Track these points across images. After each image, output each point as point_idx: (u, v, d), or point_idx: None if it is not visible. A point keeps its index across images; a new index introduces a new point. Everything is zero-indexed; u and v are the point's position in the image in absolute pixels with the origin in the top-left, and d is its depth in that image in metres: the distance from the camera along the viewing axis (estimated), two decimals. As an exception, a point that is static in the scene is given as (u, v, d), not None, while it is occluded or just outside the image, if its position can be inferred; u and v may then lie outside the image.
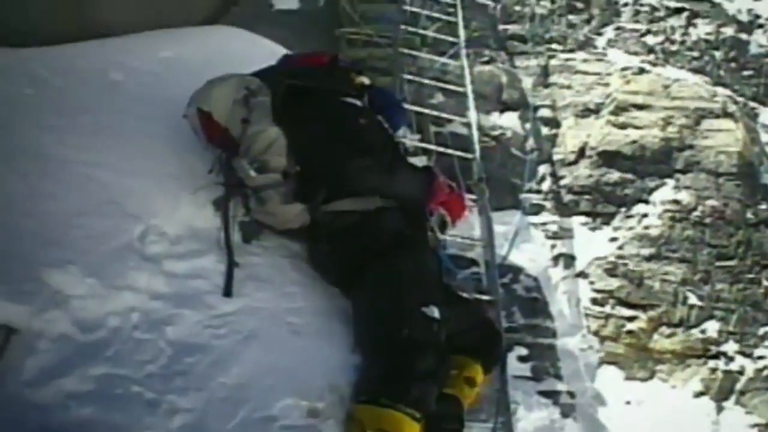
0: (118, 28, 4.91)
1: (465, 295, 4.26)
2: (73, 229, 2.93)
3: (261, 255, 3.49)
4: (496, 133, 6.18)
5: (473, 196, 5.24)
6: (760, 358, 5.56)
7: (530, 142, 6.19)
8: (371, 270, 3.30)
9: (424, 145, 5.50)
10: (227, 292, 3.20)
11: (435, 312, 3.15)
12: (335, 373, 3.15)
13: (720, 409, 5.23)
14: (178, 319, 2.97)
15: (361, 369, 3.19)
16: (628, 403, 5.10)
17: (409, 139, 5.46)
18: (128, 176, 3.29)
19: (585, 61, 6.86)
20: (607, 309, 5.48)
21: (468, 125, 5.81)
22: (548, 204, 5.97)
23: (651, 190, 6.19)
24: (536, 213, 5.92)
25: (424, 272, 3.37)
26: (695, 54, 7.24)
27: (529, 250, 5.59)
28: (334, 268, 3.50)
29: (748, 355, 5.54)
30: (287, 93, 3.61)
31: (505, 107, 6.48)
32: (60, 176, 3.12)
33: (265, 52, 5.37)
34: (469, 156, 5.50)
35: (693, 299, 5.66)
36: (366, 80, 4.22)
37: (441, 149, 5.42)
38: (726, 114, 6.71)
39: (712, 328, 5.61)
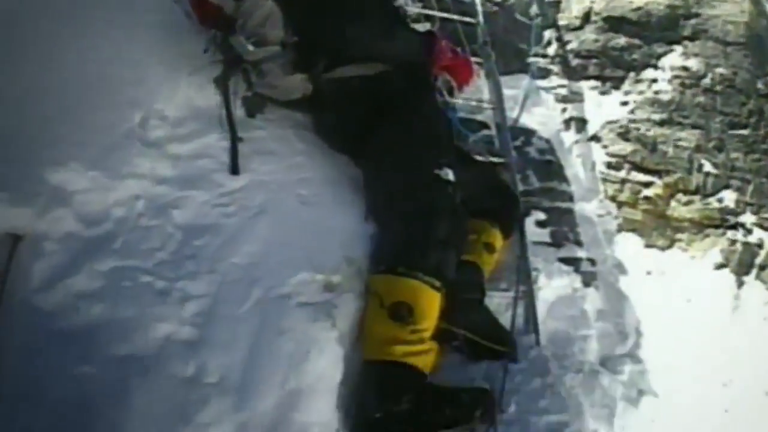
0: None
1: (479, 157, 4.22)
2: (73, 125, 2.88)
3: (265, 128, 3.49)
4: (498, -1, 5.65)
5: (479, 59, 5.04)
6: (779, 232, 5.18)
7: (534, 8, 5.95)
8: (379, 134, 3.29)
9: (426, 11, 5.25)
10: (234, 169, 3.20)
11: (449, 174, 3.15)
12: (350, 244, 3.16)
13: (740, 284, 5.10)
14: (185, 201, 2.98)
15: (376, 238, 3.18)
16: (649, 273, 4.96)
17: (411, 5, 5.23)
18: (125, 65, 3.22)
19: (592, -76, 6.41)
20: (623, 174, 5.34)
21: None
22: (556, 68, 5.81)
23: (659, 56, 6.01)
24: (544, 77, 5.74)
25: (434, 133, 3.37)
26: (701, -74, 6.82)
27: (540, 114, 5.41)
28: (341, 136, 3.52)
29: (767, 228, 5.42)
30: None
31: (507, -26, 6.01)
32: (56, 73, 3.04)
33: None
34: (473, 21, 5.32)
35: (708, 167, 5.53)
36: None
37: (444, 14, 5.17)
38: (731, -16, 6.24)
39: (729, 197, 5.49)
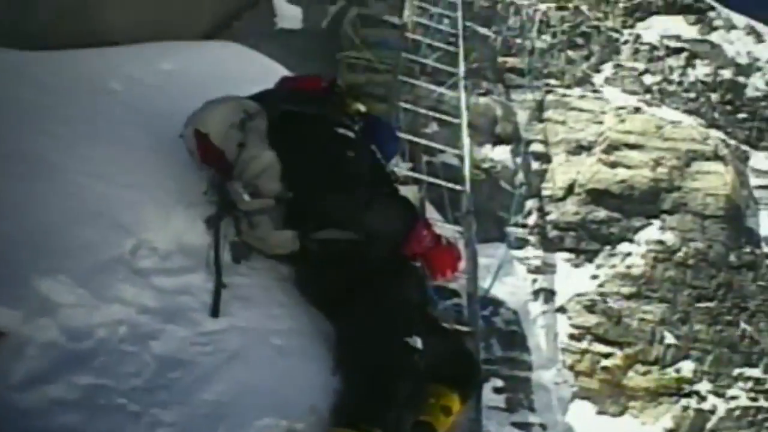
0: (120, 37, 5.01)
1: (446, 325, 4.34)
2: (65, 238, 2.93)
3: (249, 276, 3.48)
4: (486, 165, 6.38)
5: (460, 228, 5.36)
6: (733, 398, 5.75)
7: (520, 177, 6.35)
8: (358, 298, 3.30)
9: (415, 174, 5.62)
10: (214, 312, 3.18)
11: (418, 342, 3.18)
12: (316, 395, 3.16)
13: None
14: (165, 334, 2.96)
15: (341, 392, 3.18)
16: None
17: (400, 167, 5.55)
18: (123, 188, 3.31)
19: (581, 97, 7.05)
20: (584, 345, 5.66)
21: (460, 157, 5.94)
22: (533, 239, 6.16)
23: (636, 230, 6.38)
24: (520, 247, 6.10)
25: (409, 302, 3.39)
26: (692, 95, 7.40)
27: (511, 284, 5.75)
28: (320, 293, 3.51)
29: (721, 395, 5.72)
30: (282, 117, 3.67)
31: (498, 140, 6.67)
32: (56, 183, 3.12)
33: (265, 70, 5.53)
34: (459, 188, 5.60)
35: (670, 338, 5.85)
36: (362, 107, 4.24)
37: (431, 179, 5.55)
38: (717, 157, 6.93)
39: (687, 367, 5.79)
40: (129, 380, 2.73)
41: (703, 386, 5.74)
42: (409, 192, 4.51)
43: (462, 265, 4.53)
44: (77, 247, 2.95)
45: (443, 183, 5.59)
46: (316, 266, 3.46)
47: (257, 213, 3.36)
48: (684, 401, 5.63)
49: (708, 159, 6.83)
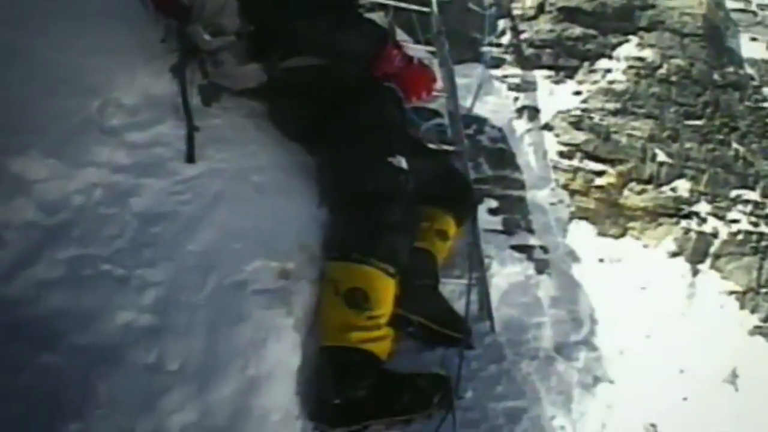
0: None
1: (431, 145, 4.24)
2: (32, 114, 2.87)
3: (221, 117, 3.49)
4: (452, -13, 5.78)
5: (432, 49, 5.11)
6: (734, 221, 5.57)
7: (488, -3, 5.75)
8: (332, 123, 3.29)
9: (379, 0, 5.21)
10: (190, 158, 3.17)
11: (402, 162, 3.15)
12: (304, 231, 3.19)
13: (695, 272, 5.19)
14: (142, 189, 2.96)
15: (330, 225, 3.18)
16: (601, 260, 5.05)
17: None
18: (83, 54, 3.20)
19: None
20: (575, 162, 5.42)
21: None
22: (509, 58, 5.91)
23: (614, 46, 6.13)
24: (497, 66, 5.84)
25: (387, 122, 3.34)
26: None
27: (492, 102, 5.49)
28: (295, 125, 3.53)
29: (721, 218, 5.53)
30: None
31: (463, -38, 6.13)
32: (16, 63, 3.02)
33: None
34: (426, 10, 5.25)
35: (662, 156, 5.63)
36: None
37: (397, 3, 5.16)
38: (691, -24, 6.40)
39: (682, 186, 5.59)
40: (111, 244, 2.76)
41: (702, 207, 5.56)
42: (376, 17, 4.46)
43: (438, 85, 4.52)
44: (43, 118, 2.91)
45: (410, 6, 5.23)
46: (288, 97, 3.45)
47: (220, 51, 3.30)
48: (684, 223, 5.44)
49: (681, -22, 6.24)
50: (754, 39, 6.86)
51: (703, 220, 5.51)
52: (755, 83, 6.46)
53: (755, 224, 5.61)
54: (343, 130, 3.29)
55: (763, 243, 5.50)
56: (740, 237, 5.52)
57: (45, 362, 2.42)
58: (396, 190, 3.08)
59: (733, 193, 5.76)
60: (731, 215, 5.65)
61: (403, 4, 5.09)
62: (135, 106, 3.22)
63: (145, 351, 2.61)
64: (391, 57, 3.51)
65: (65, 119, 2.95)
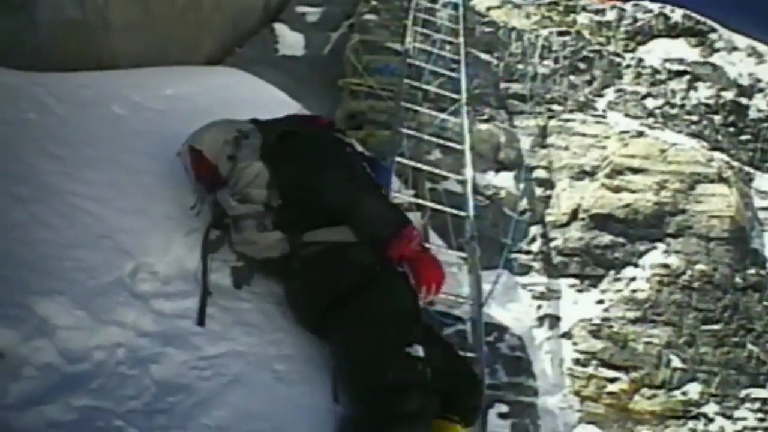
0: (123, 61, 5.13)
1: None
2: (66, 261, 2.97)
3: (250, 300, 3.53)
4: (490, 192, 6.37)
5: (464, 254, 5.43)
6: (740, 419, 5.69)
7: (523, 203, 6.35)
8: (345, 310, 3.26)
9: (418, 200, 5.67)
10: (200, 320, 3.24)
11: (419, 351, 3.12)
12: (319, 423, 3.16)
13: None
14: (164, 357, 3.00)
15: (344, 417, 3.14)
16: None
17: (403, 194, 5.64)
18: (124, 213, 3.36)
19: (584, 122, 7.04)
20: (590, 370, 5.62)
21: (463, 183, 5.99)
22: (537, 265, 6.13)
23: (641, 254, 6.34)
24: (524, 273, 6.07)
25: (401, 310, 3.30)
26: (694, 118, 7.38)
27: (515, 310, 5.74)
28: (310, 308, 3.47)
29: (728, 417, 5.66)
30: (280, 136, 3.66)
31: (501, 167, 6.67)
32: (58, 206, 3.17)
33: (267, 96, 5.66)
34: (463, 214, 5.66)
35: (676, 362, 5.80)
36: (358, 146, 4.28)
37: (435, 206, 5.58)
38: (721, 179, 6.89)
39: (693, 390, 5.73)
40: (127, 403, 2.74)
41: (710, 408, 5.68)
42: (412, 218, 4.29)
43: (464, 291, 4.96)
44: (77, 269, 2.98)
45: (447, 209, 5.60)
46: (301, 274, 3.43)
47: (244, 217, 3.39)
48: (691, 423, 5.57)
49: (712, 181, 6.81)
50: (779, 238, 6.84)
51: (710, 420, 5.64)
52: (777, 283, 6.42)
53: (762, 419, 5.74)
54: (356, 318, 3.23)
55: (768, 440, 5.42)
56: None
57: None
58: (414, 382, 3.02)
59: (743, 393, 5.88)
60: (738, 413, 5.77)
61: (440, 207, 5.49)
62: (167, 276, 3.29)
63: None
64: (410, 239, 3.48)
65: (97, 274, 3.02)
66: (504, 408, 5.13)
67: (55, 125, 3.70)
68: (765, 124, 7.60)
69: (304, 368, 3.36)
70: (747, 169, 7.28)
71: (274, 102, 4.78)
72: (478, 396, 3.87)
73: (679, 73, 7.66)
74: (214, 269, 3.43)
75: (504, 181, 6.51)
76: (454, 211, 5.63)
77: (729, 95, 7.61)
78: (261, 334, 3.40)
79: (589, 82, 7.33)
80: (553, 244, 6.34)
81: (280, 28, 7.06)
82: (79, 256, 3.04)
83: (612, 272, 6.22)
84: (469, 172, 6.02)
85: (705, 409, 5.66)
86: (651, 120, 7.18)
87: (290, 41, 7.01)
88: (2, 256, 2.84)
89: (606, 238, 6.41)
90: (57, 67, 4.39)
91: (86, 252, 3.08)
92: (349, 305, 3.25)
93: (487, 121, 6.79)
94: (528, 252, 6.26)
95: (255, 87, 5.67)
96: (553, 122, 6.93)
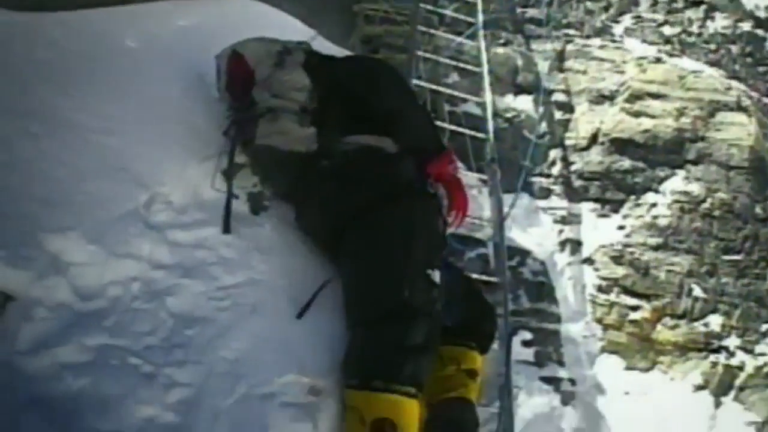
0: None
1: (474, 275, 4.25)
2: (78, 195, 2.89)
3: (268, 227, 3.41)
4: (509, 115, 6.14)
5: (483, 177, 5.29)
6: (761, 354, 5.59)
7: (542, 126, 6.13)
8: (373, 218, 3.12)
9: (437, 123, 5.23)
10: (226, 227, 3.17)
11: (437, 276, 3.01)
12: (338, 350, 3.02)
13: (718, 404, 5.25)
14: (180, 289, 2.92)
15: (349, 345, 2.98)
16: (627, 393, 5.11)
17: None
18: (138, 143, 3.25)
19: (601, 47, 6.82)
20: (612, 297, 5.49)
21: (482, 106, 5.76)
22: (557, 188, 5.97)
23: (661, 180, 6.18)
24: (545, 197, 5.92)
25: (432, 230, 3.22)
26: (711, 47, 7.20)
27: (537, 234, 5.58)
28: (331, 213, 3.29)
29: (749, 351, 5.56)
30: (323, 60, 3.62)
31: (519, 90, 6.43)
32: (70, 140, 3.07)
33: (280, 23, 5.38)
34: (483, 136, 5.49)
35: (698, 291, 5.68)
36: None
37: (454, 128, 5.39)
38: (740, 108, 6.70)
39: (715, 321, 5.63)
40: (143, 339, 2.71)
41: (732, 341, 5.59)
42: None
43: (485, 214, 4.82)
44: (89, 202, 2.89)
45: (466, 131, 5.43)
46: (335, 175, 3.25)
47: (282, 109, 3.26)
48: (713, 357, 5.47)
49: (731, 110, 6.60)
50: (799, 169, 6.74)
51: (732, 354, 5.55)
52: (797, 215, 6.31)
53: None
54: (387, 229, 3.10)
55: (789, 374, 5.32)
56: (766, 369, 5.56)
57: (56, 441, 2.28)
58: (426, 307, 2.91)
59: (764, 327, 5.80)
60: (759, 348, 5.68)
61: (460, 129, 5.31)
62: (183, 206, 3.19)
63: (164, 449, 2.45)
64: (451, 160, 3.46)
65: (109, 206, 2.94)
66: (528, 335, 5.03)
67: (67, 62, 3.56)
68: (782, 57, 7.14)
69: (322, 295, 3.19)
70: (765, 100, 7.04)
71: (287, 28, 4.64)
72: (492, 324, 3.75)
73: (696, 3, 7.41)
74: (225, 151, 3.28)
75: (523, 104, 6.28)
76: (474, 133, 5.43)
77: (746, 26, 7.28)
78: (279, 260, 3.27)
79: (606, 9, 7.09)
80: (573, 167, 6.15)
81: (293, -44, 6.70)
82: (91, 190, 2.94)
83: (633, 197, 6.07)
84: (488, 94, 5.75)
85: (726, 342, 5.57)
86: (668, 47, 6.97)
87: (303, -32, 6.65)
88: (13, 193, 2.76)
89: (626, 163, 6.23)
90: (69, 7, 4.19)
91: (99, 184, 2.98)
92: (380, 213, 3.12)
93: (504, 45, 6.57)
94: (548, 175, 6.07)
95: (268, 15, 5.44)
96: (570, 47, 6.72)
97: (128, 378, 2.57)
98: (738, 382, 5.39)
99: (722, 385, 5.35)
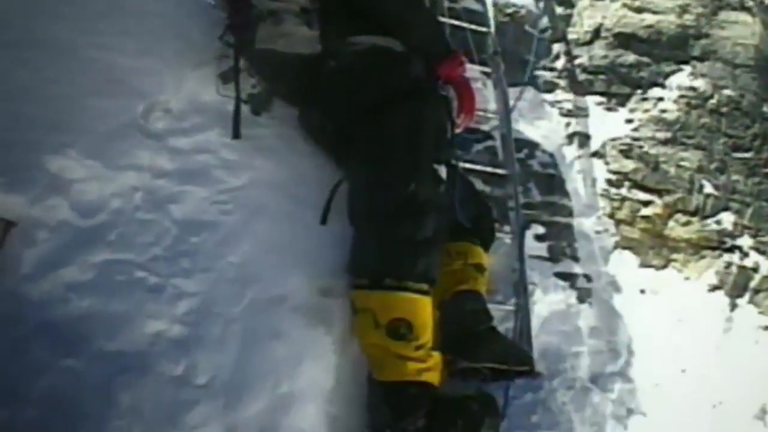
0: None
1: (478, 167, 4.36)
2: (75, 112, 2.86)
3: (270, 127, 3.42)
4: (510, 10, 5.86)
5: (487, 69, 5.09)
6: (775, 258, 5.21)
7: (545, 21, 5.90)
8: (388, 113, 3.09)
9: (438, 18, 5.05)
10: (236, 133, 3.15)
11: (443, 172, 3.10)
12: (347, 249, 3.02)
13: (733, 306, 5.11)
14: (184, 196, 2.96)
15: (356, 244, 2.99)
16: (642, 291, 4.96)
17: None
18: (133, 55, 3.19)
19: (601, -57, 6.36)
20: (623, 191, 5.32)
21: (482, 1, 5.54)
22: (562, 82, 5.76)
23: (667, 75, 6.00)
24: (550, 90, 5.70)
25: (441, 127, 3.23)
26: (713, -54, 6.79)
27: (544, 127, 5.37)
28: (338, 111, 3.29)
29: (763, 252, 5.43)
30: None
31: (520, -15, 5.99)
32: (65, 61, 3.01)
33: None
34: (484, 30, 5.30)
35: (708, 188, 5.53)
36: None
37: (455, 22, 5.19)
38: (743, 7, 6.48)
39: (727, 219, 5.49)
40: (148, 250, 2.74)
41: (745, 241, 5.46)
42: None
43: (491, 106, 4.79)
44: (85, 117, 2.89)
45: (466, 25, 5.23)
46: (343, 74, 3.21)
47: (283, 11, 3.19)
48: (727, 256, 5.35)
49: (734, 9, 6.39)
50: (805, 70, 6.56)
51: (746, 255, 5.42)
52: (804, 115, 6.16)
53: None
54: (400, 123, 3.11)
55: (804, 278, 5.19)
56: None
57: (67, 366, 2.41)
58: (435, 201, 2.96)
59: None
60: None
61: (460, 23, 5.11)
62: (181, 112, 3.20)
63: (174, 363, 2.59)
64: (459, 62, 3.42)
65: (108, 120, 2.95)
66: (540, 229, 4.83)
67: None
68: (786, -42, 6.95)
69: (326, 193, 3.19)
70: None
71: None
72: (492, 221, 3.88)
73: None
74: (229, 102, 3.25)
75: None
76: (475, 27, 5.23)
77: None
78: (282, 159, 3.32)
79: None
80: (577, 61, 5.93)
81: None
82: (88, 105, 2.94)
83: (639, 91, 5.88)
84: (487, -14, 5.35)
85: (740, 242, 5.43)
86: (669, -55, 6.53)
87: None
88: (11, 120, 2.72)
89: (630, 57, 6.02)
90: None
91: (96, 100, 2.98)
92: (389, 112, 3.11)
93: (500, -60, 6.13)
94: (552, 69, 5.85)
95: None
96: (568, -59, 6.26)
97: (135, 292, 2.61)
98: (753, 284, 5.27)
99: (737, 287, 5.21)
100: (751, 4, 6.62)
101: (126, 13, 3.36)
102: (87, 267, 2.55)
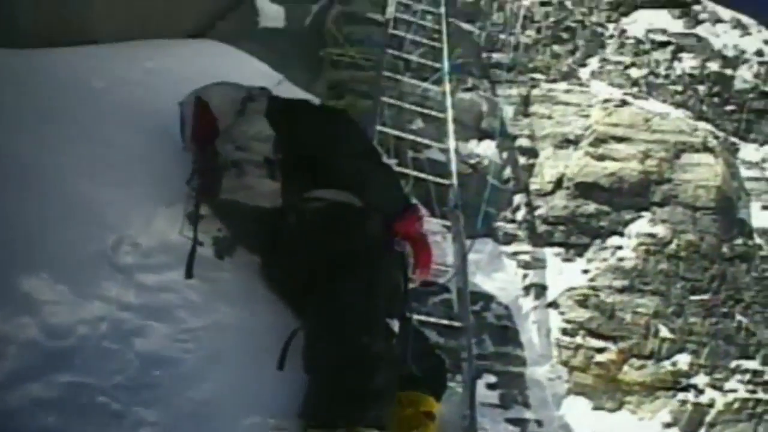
0: (102, 36, 5.01)
1: (432, 319, 4.50)
2: (47, 236, 2.96)
3: (232, 272, 3.51)
4: (473, 161, 6.31)
5: (447, 223, 5.37)
6: (731, 391, 5.67)
7: (507, 171, 6.28)
8: (346, 269, 3.20)
9: (401, 169, 5.56)
10: (188, 273, 3.22)
11: (396, 325, 3.17)
12: (300, 392, 3.13)
13: None
14: (147, 330, 3.01)
15: (310, 389, 3.09)
16: None
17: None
18: (106, 186, 3.33)
19: (567, 91, 6.98)
20: (578, 339, 5.58)
21: (446, 151, 5.94)
22: (522, 233, 6.10)
23: (626, 223, 6.31)
24: (509, 242, 6.04)
25: (395, 283, 3.36)
26: (679, 88, 7.36)
27: (501, 279, 5.69)
28: (296, 267, 3.40)
29: (719, 388, 5.65)
30: (289, 103, 3.70)
31: (483, 135, 6.62)
32: (37, 182, 3.14)
33: (248, 68, 5.60)
34: (446, 182, 5.62)
35: (665, 332, 5.78)
36: None
37: (418, 174, 5.54)
38: (706, 148, 6.86)
39: (683, 360, 5.72)
40: (111, 378, 2.75)
41: (700, 379, 5.67)
42: None
43: (449, 260, 4.90)
44: (59, 243, 2.96)
45: (430, 178, 5.56)
46: (302, 231, 3.34)
47: (246, 162, 3.31)
48: (681, 395, 5.57)
49: (697, 150, 6.75)
50: (765, 207, 7.01)
51: (701, 392, 5.63)
52: (763, 253, 6.61)
53: (753, 391, 5.72)
54: (352, 284, 3.18)
55: (759, 409, 5.62)
56: (737, 405, 5.64)
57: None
58: (386, 353, 3.06)
59: (733, 364, 5.87)
60: (729, 385, 5.76)
61: (424, 175, 5.46)
62: (149, 249, 3.27)
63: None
64: (418, 217, 3.57)
65: (79, 248, 3.01)
66: (492, 378, 5.11)
67: (32, 101, 3.64)
68: (750, 95, 7.53)
69: (283, 339, 3.28)
70: (732, 139, 7.23)
71: (255, 73, 4.80)
72: (444, 373, 3.92)
73: (663, 44, 7.63)
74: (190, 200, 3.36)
75: (487, 149, 6.46)
76: (438, 179, 5.58)
77: (714, 66, 7.54)
78: (243, 305, 3.38)
79: (572, 52, 7.28)
80: (537, 212, 6.30)
81: (261, 1, 6.94)
82: (60, 231, 3.01)
83: (598, 241, 6.21)
84: (451, 140, 5.96)
85: (695, 381, 5.65)
86: (635, 89, 7.14)
87: (271, 13, 6.91)
88: None
89: (591, 207, 6.38)
90: (36, 43, 4.33)
91: (67, 226, 3.06)
92: (346, 268, 3.20)
93: (469, 90, 6.74)
94: (512, 221, 6.21)
95: (236, 59, 5.69)
96: (536, 91, 6.88)
97: (97, 416, 2.63)
98: (708, 418, 5.48)
99: (692, 423, 5.42)
100: (714, 143, 7.02)
101: (99, 140, 3.52)
102: (52, 385, 2.57)
